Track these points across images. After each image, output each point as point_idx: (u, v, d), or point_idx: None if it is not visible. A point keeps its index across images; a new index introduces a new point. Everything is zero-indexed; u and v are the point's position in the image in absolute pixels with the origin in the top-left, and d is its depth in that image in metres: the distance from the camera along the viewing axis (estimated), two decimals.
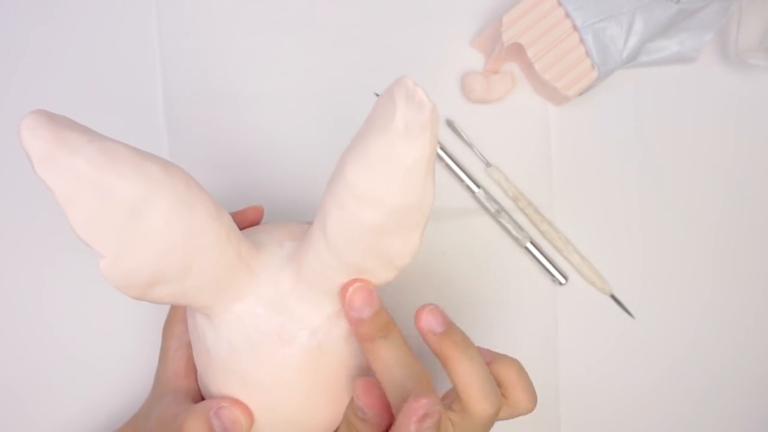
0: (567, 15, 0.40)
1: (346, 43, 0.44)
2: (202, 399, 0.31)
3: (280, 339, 0.27)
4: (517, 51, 0.41)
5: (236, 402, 0.28)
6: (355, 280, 0.27)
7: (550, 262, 0.44)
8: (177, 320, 0.34)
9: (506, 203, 0.44)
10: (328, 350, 0.28)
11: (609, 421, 0.45)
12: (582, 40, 0.40)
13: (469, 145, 0.44)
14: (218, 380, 0.29)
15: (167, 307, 0.35)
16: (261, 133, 0.44)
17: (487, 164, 0.44)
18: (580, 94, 0.42)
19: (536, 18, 0.40)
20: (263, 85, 0.44)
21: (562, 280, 0.44)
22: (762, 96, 0.46)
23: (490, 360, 0.29)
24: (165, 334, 0.34)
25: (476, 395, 0.27)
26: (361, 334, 0.27)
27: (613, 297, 0.44)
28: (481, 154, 0.44)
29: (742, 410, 0.46)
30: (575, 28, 0.40)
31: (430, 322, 0.27)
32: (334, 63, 0.44)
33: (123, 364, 0.42)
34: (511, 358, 0.29)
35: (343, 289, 0.27)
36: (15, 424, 0.42)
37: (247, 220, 0.34)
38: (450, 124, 0.44)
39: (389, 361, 0.27)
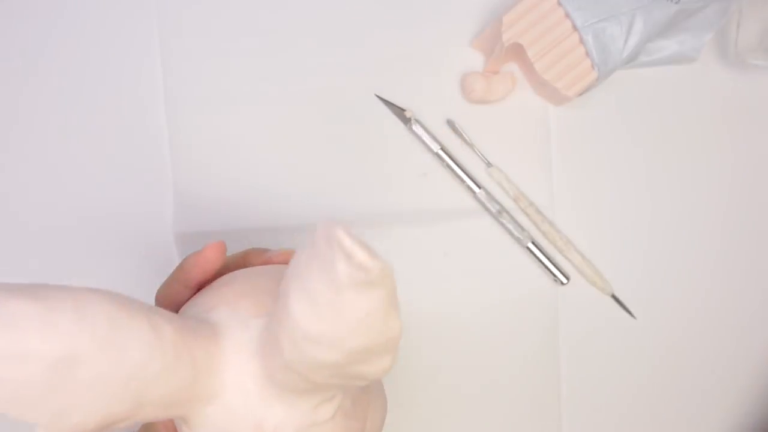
0: (567, 15, 0.40)
1: (347, 44, 0.44)
2: None
3: None
4: (517, 51, 0.41)
5: None
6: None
7: (552, 262, 0.44)
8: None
9: (507, 203, 0.44)
10: None
11: (610, 421, 0.45)
12: (582, 41, 0.40)
13: (470, 145, 0.44)
14: None
15: None
16: (261, 134, 0.44)
17: (488, 164, 0.44)
18: (580, 94, 0.42)
19: (536, 18, 0.40)
20: (263, 86, 0.44)
21: (564, 280, 0.44)
22: (762, 96, 0.46)
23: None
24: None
25: None
26: None
27: (614, 297, 0.44)
28: (481, 154, 0.44)
29: (743, 409, 0.46)
30: (575, 28, 0.40)
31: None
32: (334, 63, 0.44)
33: None
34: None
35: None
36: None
37: (209, 262, 0.30)
38: (450, 124, 0.44)
39: None
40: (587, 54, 0.41)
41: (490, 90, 0.43)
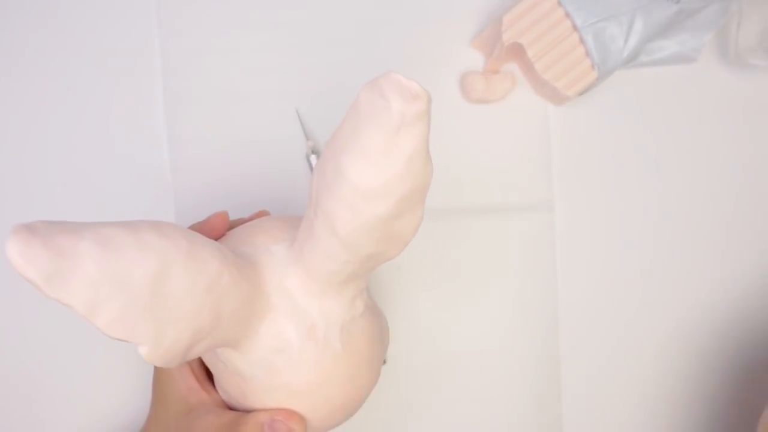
0: (567, 15, 0.40)
1: (346, 43, 0.44)
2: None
3: (311, 340, 0.28)
4: (517, 51, 0.41)
5: (289, 414, 0.29)
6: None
7: None
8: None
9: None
10: (353, 330, 0.29)
11: (612, 420, 0.45)
12: (582, 40, 0.40)
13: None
14: (262, 399, 0.29)
15: None
16: (261, 133, 0.44)
17: None
18: (580, 94, 0.42)
19: (536, 18, 0.40)
20: (263, 85, 0.44)
21: None
22: (762, 96, 0.46)
23: None
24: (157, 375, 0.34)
25: None
26: None
27: None
28: None
29: (744, 409, 0.46)
30: (575, 28, 0.40)
31: None
32: (334, 63, 0.44)
33: (127, 370, 0.42)
34: None
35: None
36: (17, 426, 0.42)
37: (215, 230, 0.33)
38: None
39: None
40: (587, 54, 0.41)
41: (490, 90, 0.43)
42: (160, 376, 0.33)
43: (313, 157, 0.43)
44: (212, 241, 0.26)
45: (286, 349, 0.28)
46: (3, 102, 0.43)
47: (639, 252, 0.45)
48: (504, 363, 0.44)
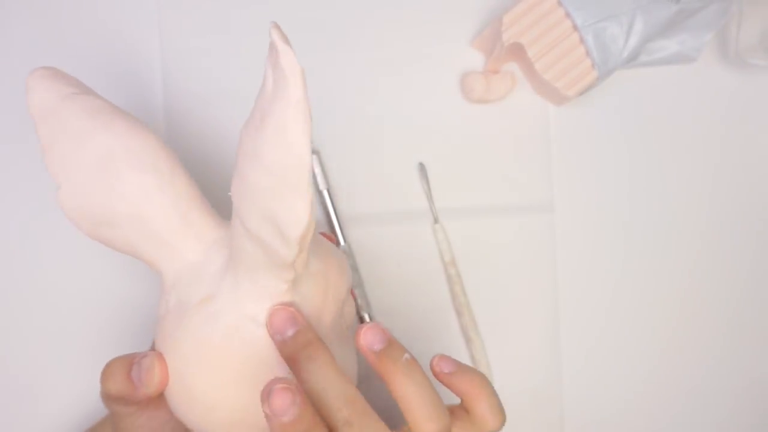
0: (567, 15, 0.40)
1: (346, 43, 0.44)
2: None
3: (201, 306, 0.28)
4: (518, 51, 0.41)
5: (160, 356, 0.28)
6: (277, 305, 0.27)
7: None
8: None
9: (437, 265, 0.44)
10: (249, 337, 0.27)
11: (612, 419, 0.45)
12: (582, 40, 0.40)
13: (428, 195, 0.43)
14: (155, 339, 0.29)
15: None
16: None
17: (436, 221, 0.43)
18: (581, 94, 0.42)
19: (536, 18, 0.40)
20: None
21: None
22: (762, 96, 0.46)
23: (452, 370, 0.28)
24: None
25: (419, 415, 0.26)
26: (285, 354, 0.26)
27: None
28: (435, 209, 0.43)
29: (743, 409, 0.46)
30: (575, 28, 0.40)
31: (369, 339, 0.27)
32: (334, 63, 0.44)
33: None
34: (475, 370, 0.28)
35: (269, 317, 0.27)
36: (15, 425, 0.42)
37: None
38: (421, 167, 0.44)
39: (317, 383, 0.25)
40: (587, 54, 0.41)
41: (490, 90, 0.43)
42: None
43: (312, 158, 0.43)
44: (175, 167, 0.29)
45: (181, 299, 0.28)
46: (3, 102, 0.43)
47: (639, 252, 0.45)
48: (504, 362, 0.44)
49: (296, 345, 0.26)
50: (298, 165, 0.23)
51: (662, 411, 0.45)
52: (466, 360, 0.43)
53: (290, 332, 0.26)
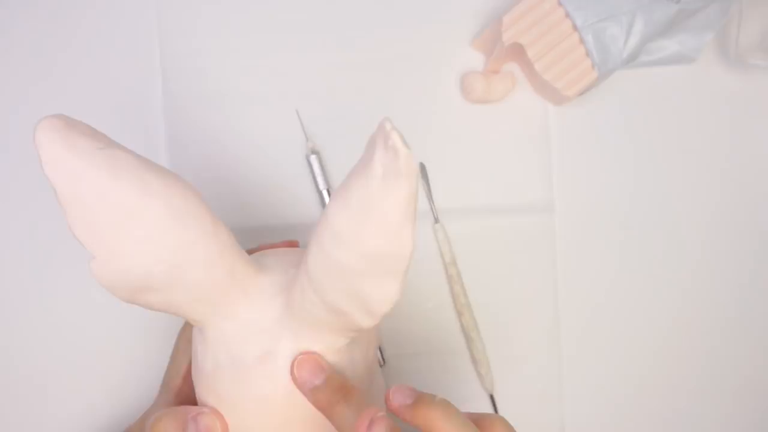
0: (567, 15, 0.40)
1: (346, 44, 0.44)
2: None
3: (261, 364, 0.27)
4: (518, 51, 0.41)
5: (217, 412, 0.28)
6: (300, 354, 0.27)
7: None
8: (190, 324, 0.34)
9: (437, 265, 0.44)
10: None
11: (613, 419, 0.45)
12: (582, 40, 0.40)
13: (428, 195, 0.43)
14: (201, 394, 0.29)
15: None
16: (261, 134, 0.44)
17: (436, 221, 0.43)
18: (581, 94, 0.42)
19: (536, 18, 0.40)
20: (263, 86, 0.44)
21: None
22: (762, 96, 0.46)
23: (474, 419, 0.27)
24: (179, 334, 0.35)
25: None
26: (318, 402, 0.27)
27: (491, 396, 0.43)
28: (435, 209, 0.43)
29: (743, 408, 0.46)
30: (575, 28, 0.40)
31: (398, 398, 0.26)
32: (333, 64, 0.44)
33: (129, 368, 0.42)
34: (496, 415, 0.28)
35: (291, 368, 0.27)
36: (15, 426, 0.42)
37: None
38: (422, 167, 0.44)
39: (351, 425, 0.25)
40: (587, 54, 0.41)
41: (490, 90, 0.43)
42: (170, 363, 0.34)
43: (313, 158, 0.43)
44: (216, 220, 0.26)
45: (235, 356, 0.27)
46: (3, 103, 0.43)
47: (639, 252, 0.45)
48: (504, 362, 0.44)
49: (328, 392, 0.26)
50: (401, 255, 0.23)
51: (662, 411, 0.45)
52: (466, 359, 0.44)
53: (319, 380, 0.26)
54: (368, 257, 0.23)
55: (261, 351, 0.27)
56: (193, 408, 0.28)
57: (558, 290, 0.44)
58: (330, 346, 0.27)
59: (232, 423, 0.28)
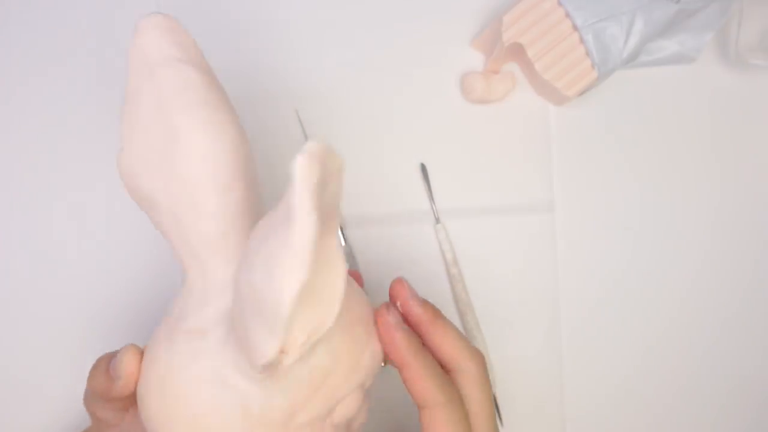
0: (567, 15, 0.40)
1: (346, 44, 0.44)
2: None
3: (189, 345, 0.25)
4: (518, 51, 0.41)
5: (138, 351, 0.26)
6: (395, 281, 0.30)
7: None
8: None
9: (438, 266, 0.44)
10: (209, 395, 0.24)
11: (614, 419, 0.45)
12: (582, 40, 0.40)
13: (430, 195, 0.43)
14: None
15: None
16: (261, 135, 0.44)
17: (437, 221, 0.43)
18: (581, 94, 0.42)
19: (536, 18, 0.40)
20: (262, 86, 0.44)
21: None
22: (762, 96, 0.46)
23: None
24: None
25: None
26: (427, 315, 0.29)
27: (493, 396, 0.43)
28: (436, 209, 0.43)
29: (743, 408, 0.46)
30: (575, 28, 0.40)
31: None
32: (334, 64, 0.44)
33: None
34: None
35: (391, 289, 0.30)
36: (13, 424, 0.42)
37: None
38: (423, 168, 0.43)
39: (453, 335, 0.29)
40: (587, 54, 0.41)
41: (490, 90, 0.43)
42: None
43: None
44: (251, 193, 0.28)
45: (179, 318, 0.26)
46: (2, 101, 0.43)
47: (639, 252, 0.45)
48: (506, 361, 0.44)
49: (432, 306, 0.31)
50: (274, 301, 0.19)
51: (663, 411, 0.45)
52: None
53: (420, 299, 0.30)
54: (253, 289, 0.20)
55: (199, 324, 0.25)
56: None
57: (559, 290, 0.44)
58: (249, 367, 0.24)
59: (143, 374, 0.26)
